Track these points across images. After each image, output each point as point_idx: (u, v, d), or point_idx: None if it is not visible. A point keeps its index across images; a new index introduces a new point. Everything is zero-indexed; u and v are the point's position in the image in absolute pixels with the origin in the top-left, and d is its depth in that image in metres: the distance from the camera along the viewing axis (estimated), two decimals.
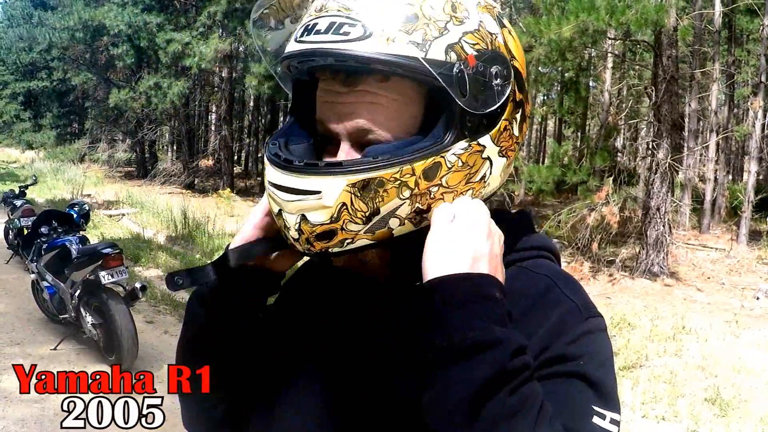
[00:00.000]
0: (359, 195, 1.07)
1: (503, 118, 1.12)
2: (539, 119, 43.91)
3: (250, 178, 38.80)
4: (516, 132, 1.16)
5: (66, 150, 39.22)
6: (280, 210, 1.13)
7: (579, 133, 33.28)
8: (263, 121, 40.56)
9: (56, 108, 48.00)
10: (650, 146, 15.22)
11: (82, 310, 7.31)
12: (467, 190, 1.12)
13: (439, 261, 1.03)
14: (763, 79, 21.59)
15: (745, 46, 31.84)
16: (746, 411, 7.13)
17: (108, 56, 33.46)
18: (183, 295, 10.61)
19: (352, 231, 1.10)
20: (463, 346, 0.97)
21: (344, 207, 1.07)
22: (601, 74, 29.87)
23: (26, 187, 13.54)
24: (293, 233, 1.13)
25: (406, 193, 1.07)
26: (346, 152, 1.13)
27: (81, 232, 8.90)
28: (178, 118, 33.87)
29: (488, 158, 1.12)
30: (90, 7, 31.01)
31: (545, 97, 37.88)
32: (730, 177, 31.92)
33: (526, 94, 1.17)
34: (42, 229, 8.85)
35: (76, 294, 7.34)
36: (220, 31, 28.10)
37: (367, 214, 1.08)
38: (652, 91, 14.83)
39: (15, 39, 41.72)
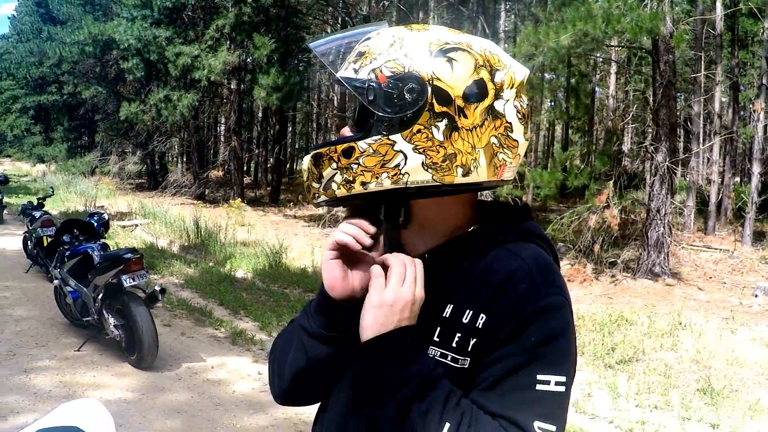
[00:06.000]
0: (313, 163, 1.56)
1: (417, 123, 1.45)
2: (546, 125, 44.15)
3: (259, 188, 39.10)
4: (439, 137, 1.46)
5: (77, 163, 39.54)
6: None
7: (585, 138, 33.51)
8: (272, 131, 40.87)
9: (66, 121, 48.26)
10: (648, 149, 15.50)
11: (104, 312, 7.68)
12: (383, 173, 1.48)
13: (368, 323, 1.46)
14: (765, 81, 21.81)
15: (750, 48, 31.85)
16: (736, 400, 7.45)
17: (118, 70, 33.77)
18: (198, 300, 11.02)
19: (314, 187, 1.58)
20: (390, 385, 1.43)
21: (309, 170, 1.58)
22: (606, 80, 30.08)
23: (44, 198, 13.92)
24: (304, 187, 1.65)
25: (334, 165, 1.52)
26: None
27: (101, 240, 9.27)
28: (188, 130, 34.14)
29: (401, 152, 1.46)
30: (99, 21, 31.44)
31: (552, 103, 38.09)
32: (737, 179, 32.06)
33: (459, 108, 1.47)
34: (64, 238, 9.23)
35: (99, 297, 7.70)
36: (228, 43, 28.45)
37: (317, 176, 1.56)
38: (650, 95, 15.11)
39: (25, 54, 42.12)
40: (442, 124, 1.47)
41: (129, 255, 7.65)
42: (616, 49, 21.62)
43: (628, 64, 28.80)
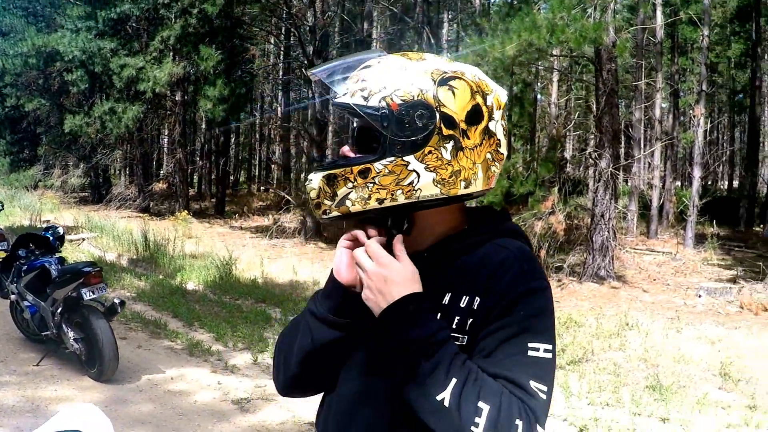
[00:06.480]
0: (326, 182, 1.71)
1: (428, 145, 1.65)
2: None
3: (204, 200, 38.95)
4: (447, 156, 1.68)
5: (20, 177, 38.90)
6: None
7: (528, 146, 33.90)
8: (215, 143, 40.73)
9: (9, 135, 47.33)
10: (592, 156, 15.83)
11: (63, 326, 7.69)
12: (398, 190, 1.67)
13: (372, 304, 1.66)
14: (704, 87, 22.39)
15: (689, 55, 32.49)
16: (684, 395, 7.73)
17: (61, 82, 33.25)
18: (151, 313, 11.05)
19: (326, 204, 1.73)
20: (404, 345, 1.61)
21: (321, 189, 1.73)
22: (548, 88, 30.47)
23: None
24: (311, 203, 1.79)
25: (350, 185, 1.68)
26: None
27: (57, 254, 9.25)
28: (132, 142, 33.85)
29: (414, 171, 1.66)
30: (43, 33, 30.90)
31: None
32: (678, 183, 32.67)
33: (463, 131, 1.69)
34: (20, 252, 9.18)
35: (58, 311, 7.72)
36: (173, 54, 28.33)
37: (330, 194, 1.71)
38: (593, 103, 15.43)
39: None
40: (450, 145, 1.69)
41: (88, 268, 7.68)
42: (559, 57, 21.97)
43: (571, 73, 29.27)
